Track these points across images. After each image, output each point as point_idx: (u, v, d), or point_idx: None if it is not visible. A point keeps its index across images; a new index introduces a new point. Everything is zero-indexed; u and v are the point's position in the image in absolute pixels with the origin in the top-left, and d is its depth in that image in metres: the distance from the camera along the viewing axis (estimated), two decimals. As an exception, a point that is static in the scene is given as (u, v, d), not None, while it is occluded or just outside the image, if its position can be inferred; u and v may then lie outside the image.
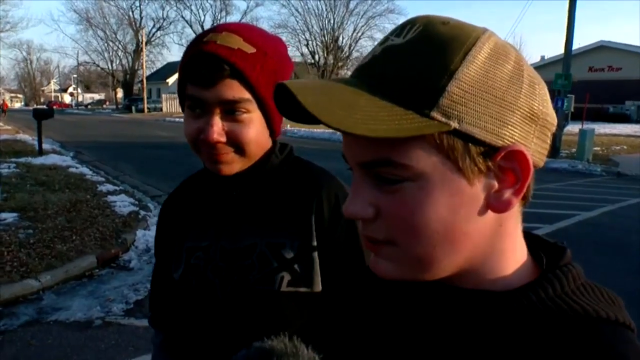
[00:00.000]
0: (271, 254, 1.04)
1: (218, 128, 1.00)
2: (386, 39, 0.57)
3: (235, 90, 0.99)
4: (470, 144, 0.53)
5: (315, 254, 1.05)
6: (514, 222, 0.59)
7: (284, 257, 1.04)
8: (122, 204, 8.09)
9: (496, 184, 0.55)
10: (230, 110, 1.00)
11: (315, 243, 1.05)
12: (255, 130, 1.03)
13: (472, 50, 0.53)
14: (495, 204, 0.55)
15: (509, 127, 0.53)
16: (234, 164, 1.05)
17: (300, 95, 0.52)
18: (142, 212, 7.67)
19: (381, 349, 0.67)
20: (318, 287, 1.05)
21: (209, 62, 0.97)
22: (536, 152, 0.56)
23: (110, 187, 9.74)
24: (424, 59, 0.53)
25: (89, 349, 3.84)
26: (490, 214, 0.56)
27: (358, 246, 1.05)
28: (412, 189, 0.54)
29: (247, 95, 1.00)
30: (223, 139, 1.01)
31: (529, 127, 0.55)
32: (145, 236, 6.48)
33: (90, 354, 3.77)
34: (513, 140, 0.53)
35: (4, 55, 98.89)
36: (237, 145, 1.02)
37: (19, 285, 4.83)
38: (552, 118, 0.58)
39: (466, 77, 0.52)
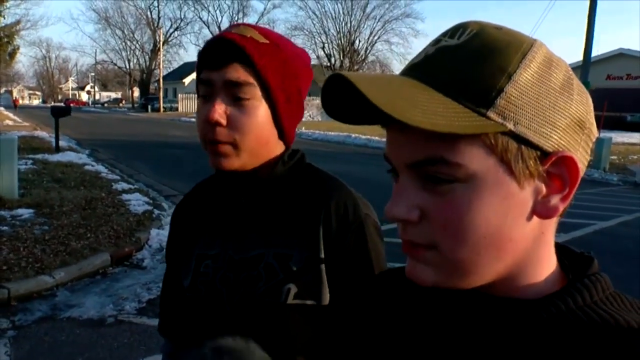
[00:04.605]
0: (278, 266, 1.02)
1: (220, 108, 0.99)
2: (439, 40, 0.57)
3: (240, 72, 0.99)
4: (523, 147, 0.52)
5: (323, 267, 1.02)
6: (552, 230, 0.59)
7: (290, 269, 1.01)
8: (137, 202, 8.13)
9: (544, 189, 0.55)
10: (235, 95, 0.99)
11: (323, 255, 1.02)
12: (256, 120, 1.01)
13: (528, 54, 0.53)
14: (541, 209, 0.55)
15: (560, 132, 0.53)
16: (232, 158, 1.01)
17: (361, 85, 0.50)
18: (157, 211, 7.70)
19: None
20: (325, 300, 1.02)
21: (220, 46, 0.99)
22: (580, 161, 0.56)
23: (125, 185, 9.80)
24: (482, 60, 0.53)
25: (101, 346, 3.86)
26: (534, 220, 0.55)
27: (367, 256, 1.03)
28: (463, 190, 0.53)
29: (252, 79, 0.99)
30: (223, 120, 0.99)
31: (578, 135, 0.55)
32: (159, 235, 6.50)
33: (102, 352, 3.78)
34: (562, 147, 0.53)
35: (24, 52, 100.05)
36: (235, 132, 1.00)
37: (34, 281, 4.87)
38: (595, 130, 0.58)
39: (523, 80, 0.52)
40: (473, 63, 0.53)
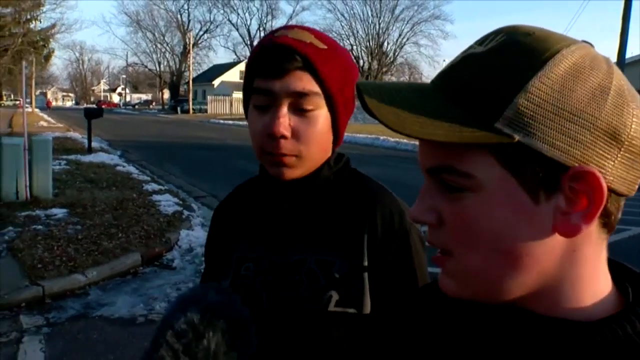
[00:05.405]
0: (320, 272, 1.00)
1: (285, 120, 0.95)
2: (470, 47, 0.56)
3: (305, 82, 0.95)
4: (536, 160, 0.49)
5: (366, 275, 0.99)
6: (592, 248, 0.54)
7: (333, 276, 0.99)
8: (167, 203, 8.24)
9: (564, 206, 0.51)
10: (299, 105, 0.96)
11: (366, 263, 1.00)
12: (320, 130, 0.98)
13: (549, 63, 0.50)
14: (562, 227, 0.51)
15: (582, 146, 0.49)
16: (294, 169, 1.00)
17: (367, 94, 0.53)
18: (186, 212, 7.78)
19: None
20: (367, 309, 0.99)
21: (280, 53, 0.94)
22: (618, 177, 0.51)
23: (155, 186, 9.94)
24: (497, 69, 0.51)
25: (132, 345, 3.91)
26: (558, 236, 0.51)
27: (411, 266, 1.01)
28: (472, 199, 0.52)
29: (317, 88, 0.96)
30: (288, 133, 0.95)
31: (609, 149, 0.50)
32: (189, 236, 6.58)
33: (133, 350, 3.83)
34: (586, 161, 0.49)
35: (59, 55, 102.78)
36: (301, 144, 0.97)
37: (67, 279, 4.98)
38: None
39: (538, 90, 0.49)
40: (489, 72, 0.51)
